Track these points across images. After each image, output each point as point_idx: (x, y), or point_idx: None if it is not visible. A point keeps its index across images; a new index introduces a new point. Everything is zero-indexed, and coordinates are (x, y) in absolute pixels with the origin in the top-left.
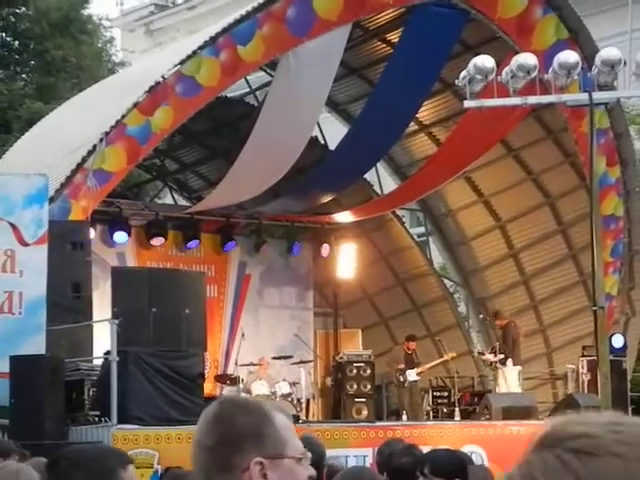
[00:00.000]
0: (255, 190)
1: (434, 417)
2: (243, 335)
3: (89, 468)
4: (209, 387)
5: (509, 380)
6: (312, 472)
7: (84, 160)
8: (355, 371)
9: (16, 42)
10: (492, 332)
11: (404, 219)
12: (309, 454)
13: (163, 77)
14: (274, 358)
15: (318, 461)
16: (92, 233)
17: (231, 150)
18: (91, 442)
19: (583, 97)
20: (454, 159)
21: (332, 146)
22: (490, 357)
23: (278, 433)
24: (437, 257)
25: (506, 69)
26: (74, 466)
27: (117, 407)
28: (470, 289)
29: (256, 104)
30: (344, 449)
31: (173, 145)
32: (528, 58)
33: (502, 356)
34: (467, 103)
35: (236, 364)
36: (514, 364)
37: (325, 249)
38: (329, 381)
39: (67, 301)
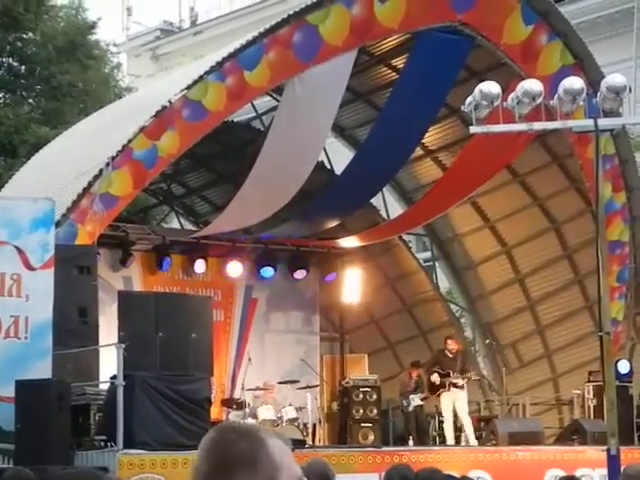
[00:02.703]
0: (261, 215)
1: (440, 442)
2: (250, 359)
3: None
4: (215, 411)
5: (463, 405)
6: None
7: (90, 184)
8: (361, 396)
9: (22, 67)
10: (499, 357)
11: (410, 244)
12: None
13: (170, 102)
14: (280, 383)
15: None
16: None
17: (237, 175)
18: (95, 467)
19: (588, 123)
20: (460, 184)
21: (338, 171)
22: (459, 381)
23: (272, 459)
24: (443, 282)
25: (512, 95)
26: None
27: (123, 432)
28: (476, 314)
29: (262, 129)
30: (350, 474)
31: (179, 169)
32: (533, 84)
33: (465, 380)
34: (473, 129)
35: (242, 388)
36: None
37: (331, 274)
38: (335, 406)
39: (73, 325)
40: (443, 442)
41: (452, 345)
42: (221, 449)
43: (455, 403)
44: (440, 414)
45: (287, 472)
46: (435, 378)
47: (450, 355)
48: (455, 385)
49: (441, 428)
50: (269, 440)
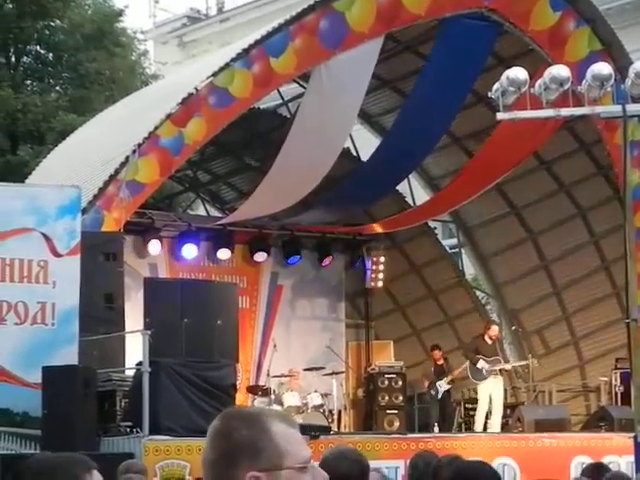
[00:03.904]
0: (287, 201)
1: (466, 429)
2: (275, 346)
3: (53, 476)
4: (241, 398)
5: (500, 393)
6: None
7: (117, 171)
8: (387, 382)
9: (50, 54)
10: (525, 344)
11: (436, 230)
12: (313, 462)
13: (196, 89)
14: (306, 369)
15: (362, 474)
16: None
17: (263, 161)
18: (121, 453)
19: (616, 109)
20: (486, 171)
21: (364, 158)
22: (507, 367)
23: (275, 445)
24: (469, 269)
25: (539, 81)
26: (38, 474)
27: (149, 418)
28: (502, 301)
29: (288, 116)
30: (375, 461)
31: (205, 156)
32: (561, 70)
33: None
34: (500, 115)
35: (268, 375)
36: None
37: (357, 261)
38: (361, 392)
39: (99, 312)
40: (469, 429)
41: (495, 331)
42: (224, 438)
43: (493, 391)
44: (467, 401)
45: (292, 457)
46: (482, 364)
47: (489, 341)
48: (502, 372)
49: (467, 415)
50: (273, 426)
